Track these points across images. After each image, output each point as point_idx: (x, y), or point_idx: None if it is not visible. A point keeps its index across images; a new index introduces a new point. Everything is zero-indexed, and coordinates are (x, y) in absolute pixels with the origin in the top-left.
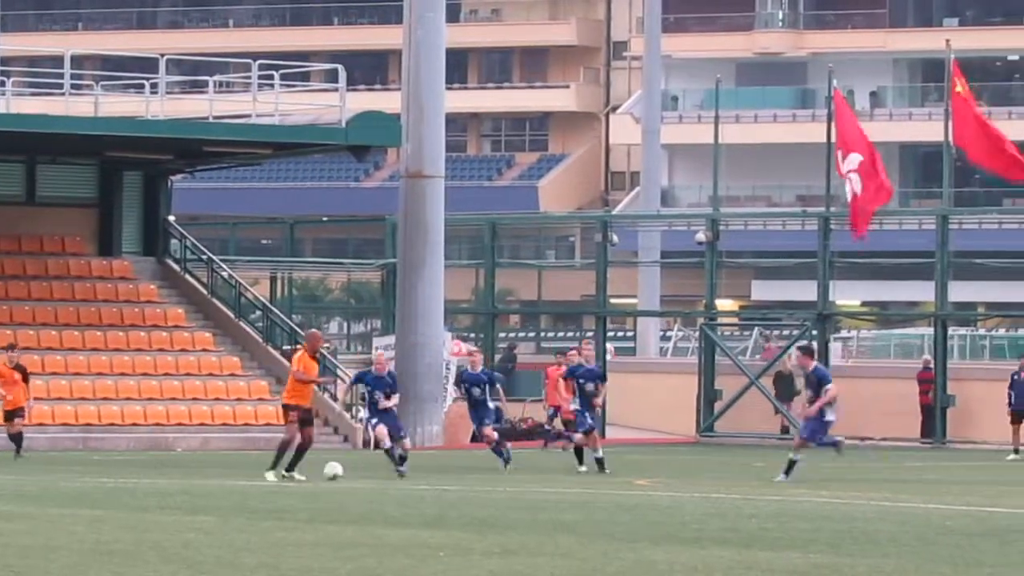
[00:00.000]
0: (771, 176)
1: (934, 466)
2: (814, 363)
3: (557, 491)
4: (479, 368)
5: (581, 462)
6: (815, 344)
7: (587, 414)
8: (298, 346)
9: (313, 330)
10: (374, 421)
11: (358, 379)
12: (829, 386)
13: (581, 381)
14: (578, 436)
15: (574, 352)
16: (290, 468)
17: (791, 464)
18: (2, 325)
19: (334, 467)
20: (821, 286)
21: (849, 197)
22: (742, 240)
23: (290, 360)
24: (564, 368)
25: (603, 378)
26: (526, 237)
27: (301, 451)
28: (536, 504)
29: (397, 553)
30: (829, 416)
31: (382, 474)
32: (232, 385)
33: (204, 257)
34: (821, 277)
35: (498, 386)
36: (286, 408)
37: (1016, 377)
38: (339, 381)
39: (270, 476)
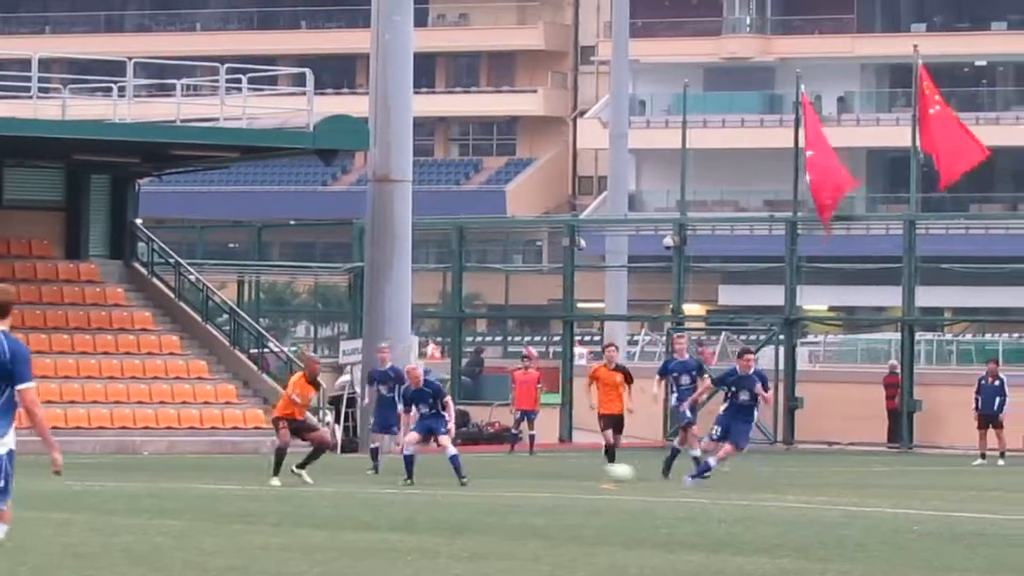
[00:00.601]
0: (739, 181)
1: (901, 471)
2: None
3: (527, 495)
4: (388, 365)
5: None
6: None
7: (683, 411)
8: (264, 351)
9: (312, 355)
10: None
11: (404, 399)
12: (768, 394)
13: (675, 375)
14: (693, 433)
15: (612, 348)
16: (301, 465)
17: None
18: None
19: (619, 469)
20: (788, 291)
21: (811, 191)
22: (709, 245)
23: (269, 372)
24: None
25: (700, 370)
26: (493, 241)
27: (318, 452)
28: (506, 508)
29: (366, 557)
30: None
31: (351, 477)
32: (199, 388)
33: (171, 260)
34: (788, 282)
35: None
36: (276, 421)
37: (983, 382)
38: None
39: (275, 481)
